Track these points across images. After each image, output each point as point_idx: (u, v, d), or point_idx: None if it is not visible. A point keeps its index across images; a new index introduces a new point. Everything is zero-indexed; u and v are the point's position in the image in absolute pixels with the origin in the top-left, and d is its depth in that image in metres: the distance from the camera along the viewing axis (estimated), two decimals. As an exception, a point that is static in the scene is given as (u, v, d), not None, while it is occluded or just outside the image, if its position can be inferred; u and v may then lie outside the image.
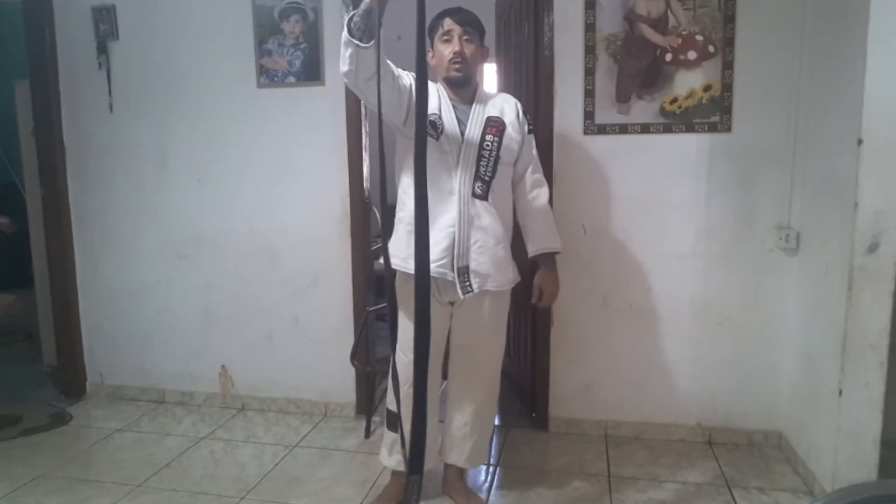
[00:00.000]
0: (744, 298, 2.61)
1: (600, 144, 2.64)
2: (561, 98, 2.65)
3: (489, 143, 2.00)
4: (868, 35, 1.91)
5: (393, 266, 2.00)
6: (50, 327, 3.40)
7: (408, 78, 1.96)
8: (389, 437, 2.18)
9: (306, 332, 3.05)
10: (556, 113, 2.66)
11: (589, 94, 2.62)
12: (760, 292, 2.59)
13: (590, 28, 2.58)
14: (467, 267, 2.00)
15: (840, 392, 2.06)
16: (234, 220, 3.04)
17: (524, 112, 2.12)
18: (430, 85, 2.01)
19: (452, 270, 1.99)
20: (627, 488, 2.37)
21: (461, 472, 2.27)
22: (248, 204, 3.02)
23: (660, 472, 2.47)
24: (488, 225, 2.02)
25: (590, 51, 2.60)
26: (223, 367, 3.16)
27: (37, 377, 3.58)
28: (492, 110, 2.05)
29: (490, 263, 2.03)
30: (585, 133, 2.65)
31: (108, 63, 3.07)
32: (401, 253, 2.00)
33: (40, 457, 2.66)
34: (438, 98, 2.02)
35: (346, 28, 1.73)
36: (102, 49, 3.06)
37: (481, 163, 1.99)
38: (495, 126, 2.02)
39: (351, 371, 2.92)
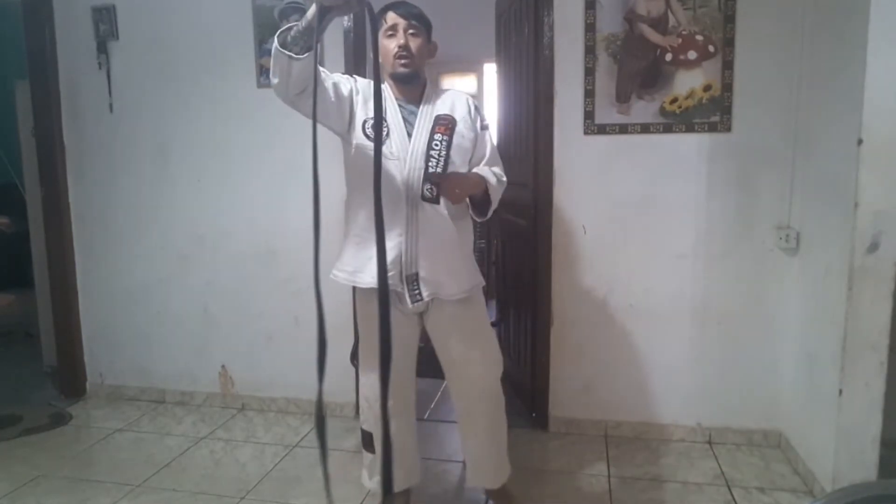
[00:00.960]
0: (744, 298, 2.61)
1: (600, 144, 2.64)
2: (561, 98, 2.65)
3: (438, 143, 1.89)
4: (868, 35, 1.91)
5: (342, 281, 1.98)
6: (50, 327, 3.40)
7: (347, 82, 1.91)
8: (367, 458, 2.12)
9: (306, 332, 3.04)
10: (556, 113, 2.66)
11: (589, 94, 2.62)
12: (760, 292, 2.59)
13: (590, 28, 2.58)
14: (416, 274, 1.90)
15: (840, 392, 2.06)
16: (234, 220, 3.04)
17: (476, 108, 2.01)
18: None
19: (401, 280, 1.90)
20: (627, 488, 2.37)
21: (502, 491, 2.19)
22: (248, 204, 3.02)
23: (660, 472, 2.47)
24: (439, 229, 1.90)
25: (590, 51, 2.60)
26: (223, 367, 3.16)
27: (37, 377, 3.58)
28: (441, 108, 1.94)
29: (442, 270, 1.92)
30: (585, 133, 2.65)
31: (108, 63, 3.07)
32: (348, 266, 1.94)
33: (40, 457, 2.66)
34: (384, 99, 1.92)
35: (276, 39, 1.67)
36: (102, 49, 3.06)
37: (430, 163, 1.88)
38: (444, 124, 1.91)
39: (351, 371, 2.91)
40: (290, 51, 1.65)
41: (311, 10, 1.57)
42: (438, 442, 2.75)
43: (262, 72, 2.90)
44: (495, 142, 2.10)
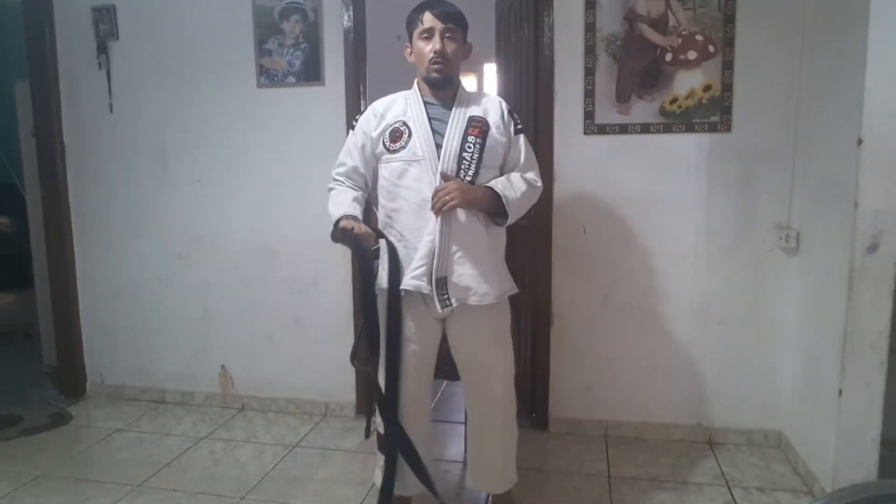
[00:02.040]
0: (744, 298, 2.61)
1: (600, 144, 2.64)
2: (561, 98, 2.65)
3: (471, 146, 1.86)
4: (868, 35, 1.91)
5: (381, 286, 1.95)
6: (50, 327, 3.40)
7: (363, 136, 1.97)
8: (381, 458, 2.10)
9: (306, 332, 3.05)
10: (556, 113, 2.66)
11: (589, 94, 2.62)
12: (760, 292, 2.59)
13: (590, 28, 2.58)
14: (445, 279, 1.87)
15: (840, 392, 2.06)
16: (234, 220, 3.04)
17: (510, 111, 1.97)
18: (401, 95, 1.97)
19: (430, 283, 1.85)
20: (627, 488, 2.37)
21: (506, 494, 2.16)
22: (248, 204, 3.02)
23: (660, 472, 2.47)
24: (470, 233, 1.88)
25: (590, 51, 2.60)
26: (223, 367, 3.16)
27: (37, 377, 3.58)
28: (475, 110, 1.92)
29: (472, 276, 1.88)
30: (585, 133, 2.65)
31: (108, 63, 3.07)
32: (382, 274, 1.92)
33: (40, 457, 2.66)
34: (405, 103, 1.93)
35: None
36: (102, 49, 3.06)
37: (462, 165, 1.85)
38: (477, 126, 1.88)
39: (351, 371, 2.92)
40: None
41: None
42: (438, 442, 2.74)
43: (262, 72, 2.90)
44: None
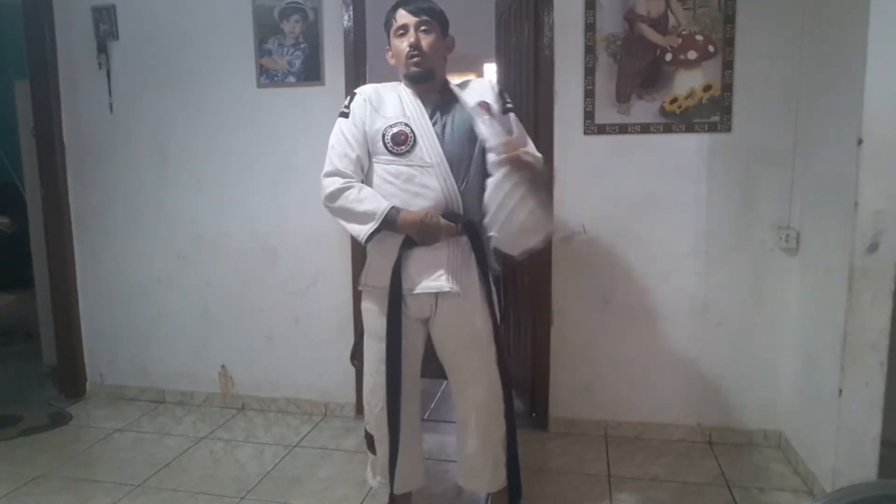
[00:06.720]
0: (744, 298, 2.61)
1: (600, 144, 2.64)
2: (561, 98, 2.65)
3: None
4: (868, 35, 1.91)
5: (370, 290, 1.95)
6: (50, 327, 3.40)
7: (360, 125, 1.90)
8: (370, 458, 2.11)
9: (306, 332, 3.05)
10: (556, 113, 2.66)
11: (589, 94, 2.62)
12: (760, 292, 2.59)
13: (590, 28, 2.58)
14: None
15: (840, 392, 2.06)
16: (234, 220, 3.04)
17: (500, 92, 1.95)
18: (391, 88, 1.94)
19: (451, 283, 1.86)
20: (627, 488, 2.37)
21: (501, 493, 2.13)
22: (248, 204, 3.02)
23: (660, 472, 2.47)
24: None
25: (590, 51, 2.60)
26: (223, 367, 3.16)
27: (37, 377, 3.58)
28: (476, 97, 1.89)
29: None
30: (585, 133, 2.64)
31: (108, 63, 3.07)
32: (375, 271, 1.92)
33: (40, 457, 2.66)
34: (400, 102, 1.88)
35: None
36: (102, 49, 3.06)
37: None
38: (485, 108, 1.84)
39: (351, 371, 2.91)
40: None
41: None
42: (438, 442, 2.75)
43: (262, 72, 2.90)
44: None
